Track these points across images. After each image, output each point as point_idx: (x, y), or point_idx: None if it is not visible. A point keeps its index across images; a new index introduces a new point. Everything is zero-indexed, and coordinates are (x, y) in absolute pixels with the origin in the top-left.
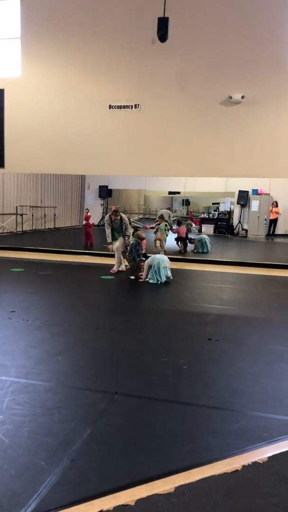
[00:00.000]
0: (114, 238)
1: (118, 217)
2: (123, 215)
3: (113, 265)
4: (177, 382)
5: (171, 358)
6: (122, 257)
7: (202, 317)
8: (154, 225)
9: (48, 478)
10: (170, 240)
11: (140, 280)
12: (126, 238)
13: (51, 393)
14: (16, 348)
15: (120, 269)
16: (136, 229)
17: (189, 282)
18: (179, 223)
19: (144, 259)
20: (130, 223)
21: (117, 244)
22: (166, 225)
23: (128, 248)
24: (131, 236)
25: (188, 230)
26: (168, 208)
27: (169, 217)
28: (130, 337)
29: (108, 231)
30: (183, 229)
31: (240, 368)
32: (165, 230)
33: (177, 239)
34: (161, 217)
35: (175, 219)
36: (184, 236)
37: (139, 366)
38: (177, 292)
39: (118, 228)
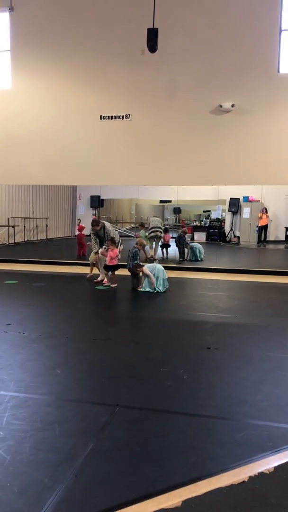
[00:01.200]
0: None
1: (99, 227)
2: (107, 224)
3: (103, 275)
4: (178, 393)
5: (170, 368)
6: (98, 267)
7: (200, 325)
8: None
9: (52, 495)
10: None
11: (139, 288)
12: (106, 247)
13: (51, 407)
14: (13, 362)
15: (100, 279)
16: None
17: (185, 290)
18: (165, 230)
19: (141, 264)
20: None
21: (100, 255)
22: (158, 232)
23: (129, 254)
24: (120, 244)
25: (183, 238)
26: (155, 216)
27: (160, 224)
28: (128, 347)
29: (93, 241)
30: (167, 236)
31: (241, 377)
32: (145, 237)
33: (162, 246)
34: (141, 224)
35: (166, 227)
36: (168, 243)
37: (139, 377)
38: (173, 301)
39: (102, 237)
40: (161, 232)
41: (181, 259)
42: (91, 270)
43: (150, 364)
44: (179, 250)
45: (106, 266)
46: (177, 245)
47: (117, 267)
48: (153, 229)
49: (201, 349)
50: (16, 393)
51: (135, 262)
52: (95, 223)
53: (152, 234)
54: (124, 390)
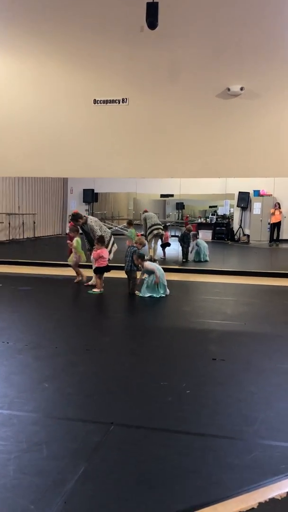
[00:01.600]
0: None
1: (80, 222)
2: (90, 218)
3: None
4: (180, 409)
5: (171, 382)
6: (78, 269)
7: (205, 334)
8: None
9: None
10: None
11: (136, 292)
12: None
13: (38, 425)
14: None
15: (83, 280)
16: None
17: (188, 295)
18: (164, 227)
19: (142, 255)
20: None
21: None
22: (161, 229)
23: (126, 254)
24: (112, 243)
25: (188, 237)
26: (146, 211)
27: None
28: (125, 359)
29: (86, 241)
30: (166, 234)
31: (250, 392)
32: (135, 236)
33: (161, 245)
34: (129, 222)
35: (165, 224)
36: (167, 241)
37: (136, 392)
38: (175, 306)
39: (89, 233)
40: (163, 229)
41: (184, 260)
42: (78, 274)
43: (148, 378)
44: (182, 250)
45: (95, 268)
46: (181, 244)
47: (108, 268)
48: (155, 227)
49: (206, 361)
50: None
51: (135, 266)
52: (74, 217)
53: (155, 232)
54: (119, 407)
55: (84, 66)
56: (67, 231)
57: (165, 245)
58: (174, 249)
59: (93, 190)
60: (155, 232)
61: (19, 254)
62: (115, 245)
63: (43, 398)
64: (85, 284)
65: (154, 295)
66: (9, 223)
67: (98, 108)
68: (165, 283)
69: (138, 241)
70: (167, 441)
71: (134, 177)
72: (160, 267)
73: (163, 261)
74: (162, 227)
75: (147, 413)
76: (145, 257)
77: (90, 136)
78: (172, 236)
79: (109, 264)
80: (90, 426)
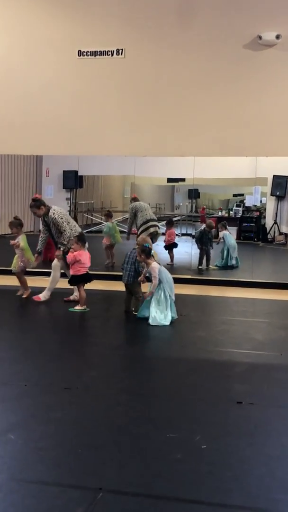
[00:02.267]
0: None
1: (42, 211)
2: (54, 209)
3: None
4: (193, 470)
5: (181, 433)
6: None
7: (227, 368)
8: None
9: None
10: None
11: (134, 312)
12: (60, 249)
13: (1, 491)
14: None
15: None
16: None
17: (205, 314)
18: (169, 223)
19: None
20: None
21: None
22: (158, 227)
23: (126, 260)
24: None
25: (208, 236)
26: (135, 198)
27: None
28: (118, 401)
29: (40, 238)
30: (172, 232)
31: (286, 446)
32: (114, 232)
33: (166, 247)
34: (108, 214)
35: (171, 218)
36: (173, 241)
37: (134, 447)
38: (187, 330)
39: (52, 228)
40: (159, 227)
41: (200, 266)
42: (23, 284)
43: (151, 427)
44: (200, 254)
45: (71, 277)
46: (198, 246)
47: (88, 277)
48: (151, 223)
49: (228, 404)
50: None
51: (138, 270)
52: (36, 203)
53: (152, 230)
54: (110, 467)
55: (66, 7)
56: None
57: (171, 246)
58: (186, 252)
59: (76, 172)
60: (152, 230)
61: None
62: (86, 245)
63: (7, 453)
64: (65, 299)
65: (162, 322)
66: None
67: (83, 62)
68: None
69: (141, 242)
70: None
71: (132, 156)
72: (169, 275)
73: (170, 268)
74: (159, 225)
75: (149, 476)
76: (152, 255)
77: (72, 101)
78: (183, 234)
79: (89, 272)
80: (72, 493)
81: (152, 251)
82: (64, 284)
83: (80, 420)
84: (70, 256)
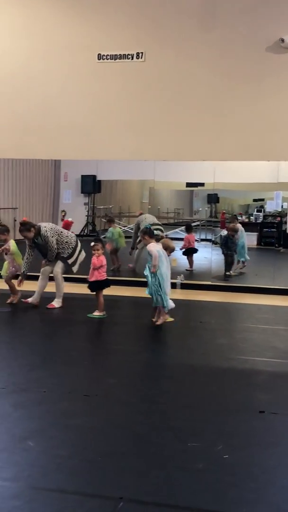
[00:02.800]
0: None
1: (32, 233)
2: (44, 226)
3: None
4: (215, 480)
5: (202, 443)
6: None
7: (249, 377)
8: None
9: None
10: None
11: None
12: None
13: (20, 499)
14: None
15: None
16: None
17: (225, 322)
18: (188, 228)
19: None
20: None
21: (47, 268)
22: (160, 230)
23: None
24: (79, 251)
25: (232, 241)
26: (141, 213)
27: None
28: (138, 409)
29: (25, 260)
30: (191, 236)
31: None
32: (118, 237)
33: (185, 252)
34: (110, 219)
35: (189, 223)
36: (193, 246)
37: (155, 455)
38: (207, 338)
39: (43, 246)
40: (162, 230)
41: (228, 272)
42: (13, 291)
43: (171, 436)
44: (226, 260)
45: (91, 283)
46: (223, 252)
47: (107, 283)
48: (155, 226)
49: (251, 414)
50: None
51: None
52: (26, 227)
53: (155, 232)
54: (131, 476)
55: (86, 11)
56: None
57: (190, 251)
58: (206, 257)
59: (95, 177)
60: (155, 232)
61: None
62: (82, 252)
63: (27, 461)
64: (24, 300)
65: (154, 298)
66: None
67: (103, 66)
68: (165, 293)
69: (164, 244)
70: None
71: (151, 160)
72: (166, 267)
73: (189, 274)
74: (162, 228)
75: (170, 485)
76: (155, 234)
77: (92, 105)
78: (202, 240)
79: (108, 278)
80: (92, 502)
81: (172, 257)
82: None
83: (99, 427)
84: (97, 261)
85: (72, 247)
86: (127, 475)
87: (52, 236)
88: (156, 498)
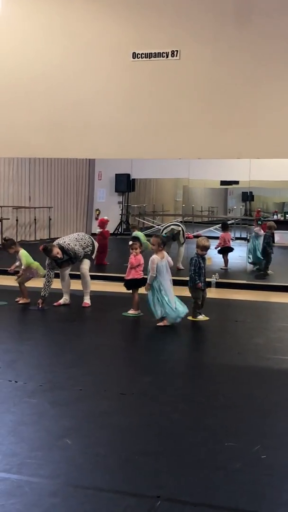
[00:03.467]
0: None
1: (59, 255)
2: (64, 242)
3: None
4: (253, 481)
5: (240, 443)
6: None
7: (286, 377)
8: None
9: None
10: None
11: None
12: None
13: (58, 496)
14: (1, 425)
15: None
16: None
17: (261, 321)
18: (224, 226)
19: (200, 283)
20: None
21: (66, 270)
22: (174, 226)
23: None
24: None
25: (269, 239)
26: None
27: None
28: (174, 407)
29: (47, 283)
30: (227, 235)
31: None
32: (144, 240)
33: (221, 251)
34: (134, 226)
35: (225, 222)
36: (229, 245)
37: (192, 455)
38: (243, 337)
39: (67, 260)
40: (178, 225)
41: (263, 272)
42: (22, 292)
43: (208, 435)
44: (267, 259)
45: (127, 282)
46: (267, 251)
47: (143, 282)
48: (170, 223)
49: None
50: (5, 473)
51: (198, 279)
52: (47, 252)
53: (172, 227)
54: (168, 474)
55: (120, 10)
56: (97, 230)
57: (226, 250)
58: (240, 256)
59: (129, 175)
60: (172, 227)
61: None
62: (95, 243)
63: (64, 459)
64: (55, 304)
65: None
66: (17, 220)
67: (138, 65)
68: (170, 302)
69: (200, 244)
70: None
71: (186, 158)
72: (167, 279)
73: (224, 273)
74: (178, 224)
75: (207, 485)
76: (163, 242)
77: (127, 104)
78: (237, 238)
79: (144, 276)
80: (129, 500)
81: (207, 256)
82: (122, 287)
83: (135, 426)
84: (135, 260)
85: (91, 244)
86: (163, 474)
87: (75, 245)
88: (193, 498)
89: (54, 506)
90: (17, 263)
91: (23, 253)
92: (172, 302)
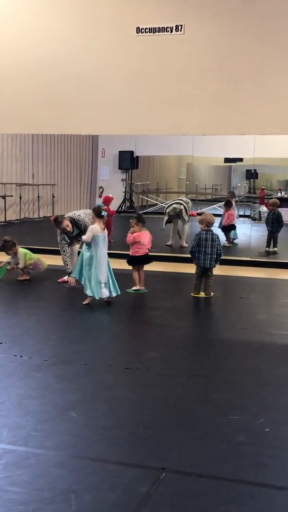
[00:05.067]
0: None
1: (69, 225)
2: (77, 214)
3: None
4: (256, 453)
5: (244, 416)
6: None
7: None
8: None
9: None
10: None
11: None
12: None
13: (64, 468)
14: (7, 399)
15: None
16: None
17: (265, 297)
18: (228, 203)
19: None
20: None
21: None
22: (176, 204)
23: (204, 244)
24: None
25: (278, 216)
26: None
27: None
28: (179, 382)
29: (66, 259)
30: (231, 213)
31: None
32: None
33: (224, 228)
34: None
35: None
36: (232, 223)
37: (196, 428)
38: (247, 313)
39: (77, 235)
40: (180, 203)
41: (271, 249)
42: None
43: (212, 408)
44: (274, 236)
45: (129, 258)
46: (277, 228)
47: (145, 259)
48: (171, 202)
49: None
50: (12, 445)
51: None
52: (57, 223)
53: (174, 205)
54: (173, 447)
55: None
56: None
57: (228, 228)
58: (244, 233)
59: (132, 152)
60: (174, 205)
61: (34, 239)
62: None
63: (70, 431)
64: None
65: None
66: (20, 197)
67: (141, 40)
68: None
69: (206, 220)
70: (239, 496)
71: (191, 135)
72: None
73: (227, 250)
74: (181, 202)
75: (212, 457)
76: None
77: (130, 79)
78: (241, 216)
79: (148, 254)
80: (134, 471)
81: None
82: (126, 264)
83: (140, 400)
84: (129, 237)
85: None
86: (168, 446)
87: (85, 217)
88: (199, 470)
89: (60, 477)
90: (14, 263)
91: (21, 252)
92: (101, 276)
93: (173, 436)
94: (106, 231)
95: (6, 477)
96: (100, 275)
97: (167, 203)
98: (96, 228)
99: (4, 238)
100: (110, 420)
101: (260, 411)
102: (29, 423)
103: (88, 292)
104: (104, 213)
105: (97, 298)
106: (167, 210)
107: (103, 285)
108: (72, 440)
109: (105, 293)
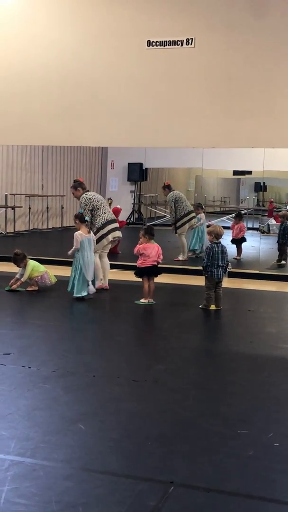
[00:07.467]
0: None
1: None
2: (85, 194)
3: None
4: (265, 467)
5: (253, 430)
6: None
7: None
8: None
9: None
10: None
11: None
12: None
13: (72, 480)
14: (15, 411)
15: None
16: None
17: (274, 310)
18: (238, 216)
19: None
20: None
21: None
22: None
23: (217, 257)
24: (108, 232)
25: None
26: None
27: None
28: (187, 395)
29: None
30: (241, 226)
31: None
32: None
33: (234, 240)
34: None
35: (239, 211)
36: (243, 236)
37: (205, 442)
38: (255, 326)
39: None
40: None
41: (282, 262)
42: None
43: (221, 422)
44: (282, 247)
45: (138, 269)
46: (280, 242)
47: (153, 271)
48: (191, 215)
49: None
50: (20, 457)
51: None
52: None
53: (192, 221)
54: (182, 461)
55: None
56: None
57: (240, 240)
58: (253, 246)
59: (141, 164)
60: (192, 222)
61: (43, 250)
62: (110, 236)
63: (78, 443)
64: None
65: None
66: (29, 208)
67: (153, 53)
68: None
69: (215, 231)
70: (248, 510)
71: (201, 147)
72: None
73: (237, 262)
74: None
75: (220, 471)
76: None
77: (141, 92)
78: (249, 228)
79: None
80: (142, 485)
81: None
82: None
83: (148, 412)
84: (135, 249)
85: (97, 226)
86: (176, 460)
87: (86, 205)
88: (207, 484)
89: (68, 489)
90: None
91: (29, 264)
92: (88, 276)
93: (181, 449)
94: (91, 233)
95: (14, 489)
96: (87, 275)
97: (192, 215)
98: (81, 235)
99: (15, 251)
100: (118, 433)
101: (269, 426)
102: (37, 435)
103: (76, 292)
104: (87, 217)
105: (85, 295)
106: (192, 223)
107: (90, 282)
108: (80, 452)
109: (91, 289)
